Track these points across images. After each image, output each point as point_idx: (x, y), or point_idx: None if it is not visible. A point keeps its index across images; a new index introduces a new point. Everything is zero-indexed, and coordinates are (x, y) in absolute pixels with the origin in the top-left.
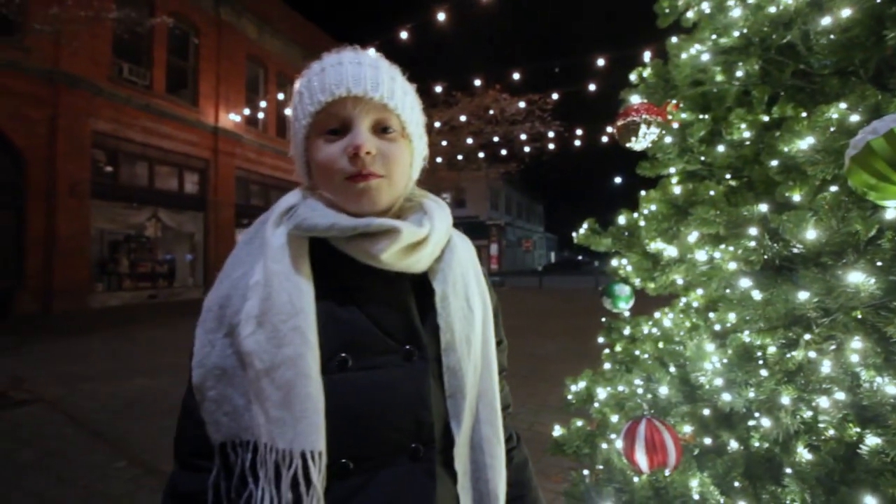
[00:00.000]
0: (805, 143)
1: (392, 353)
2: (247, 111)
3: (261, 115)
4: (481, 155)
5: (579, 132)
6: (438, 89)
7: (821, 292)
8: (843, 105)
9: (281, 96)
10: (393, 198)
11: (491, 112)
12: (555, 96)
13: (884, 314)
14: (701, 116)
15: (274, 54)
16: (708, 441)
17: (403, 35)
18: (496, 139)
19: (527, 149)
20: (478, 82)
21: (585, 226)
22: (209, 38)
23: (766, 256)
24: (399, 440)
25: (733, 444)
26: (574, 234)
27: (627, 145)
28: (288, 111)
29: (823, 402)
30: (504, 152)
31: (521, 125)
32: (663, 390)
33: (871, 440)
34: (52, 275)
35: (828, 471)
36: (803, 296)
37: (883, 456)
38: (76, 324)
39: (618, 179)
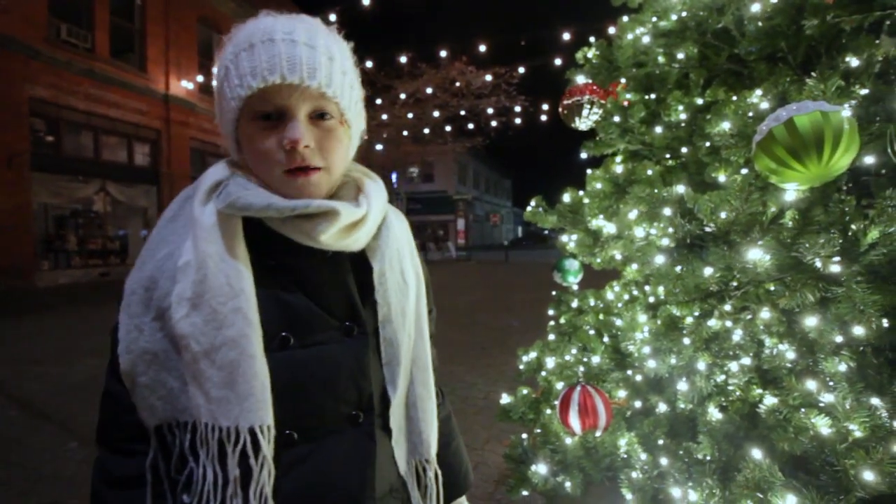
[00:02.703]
0: (724, 126)
1: (332, 330)
2: (200, 78)
3: (215, 83)
4: (448, 129)
5: (545, 107)
6: (403, 59)
7: (724, 268)
8: (758, 91)
9: None
10: (332, 185)
11: (457, 84)
12: (521, 70)
13: (778, 289)
14: (646, 97)
15: (229, 17)
16: (639, 404)
17: (366, 1)
18: (463, 113)
19: (494, 123)
20: (444, 53)
21: (533, 203)
22: None
23: (678, 235)
24: (341, 409)
25: (662, 407)
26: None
27: (572, 125)
28: (213, 78)
29: (734, 367)
30: (471, 126)
31: (488, 99)
32: (596, 359)
33: (769, 400)
34: None
35: (734, 428)
36: (708, 271)
37: (777, 414)
38: (22, 303)
39: (584, 155)
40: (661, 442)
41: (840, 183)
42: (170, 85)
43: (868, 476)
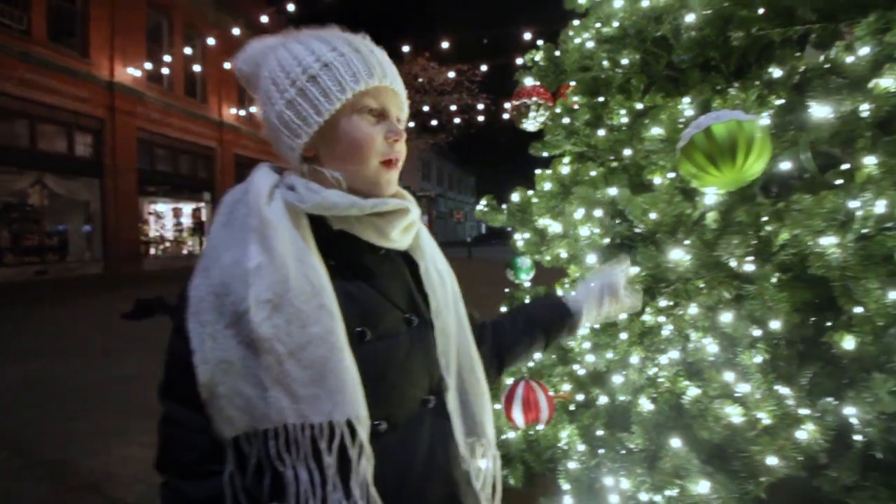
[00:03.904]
0: (654, 131)
1: (399, 322)
2: (149, 65)
3: (166, 71)
4: (411, 124)
5: (507, 105)
6: None
7: (652, 266)
8: (686, 99)
9: (189, 51)
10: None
11: (420, 80)
12: (484, 68)
13: (700, 286)
14: (593, 100)
15: (180, 3)
16: (582, 397)
17: None
18: (426, 109)
19: (457, 120)
20: (406, 48)
21: (483, 202)
22: None
23: (608, 236)
24: (417, 395)
25: (603, 399)
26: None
27: (521, 126)
28: (279, 70)
29: (664, 360)
30: (434, 123)
31: (450, 96)
32: (538, 355)
33: (693, 391)
34: None
35: (663, 418)
36: (634, 270)
37: (699, 404)
38: None
39: (546, 154)
40: (600, 433)
41: (756, 187)
42: (115, 72)
43: (772, 461)
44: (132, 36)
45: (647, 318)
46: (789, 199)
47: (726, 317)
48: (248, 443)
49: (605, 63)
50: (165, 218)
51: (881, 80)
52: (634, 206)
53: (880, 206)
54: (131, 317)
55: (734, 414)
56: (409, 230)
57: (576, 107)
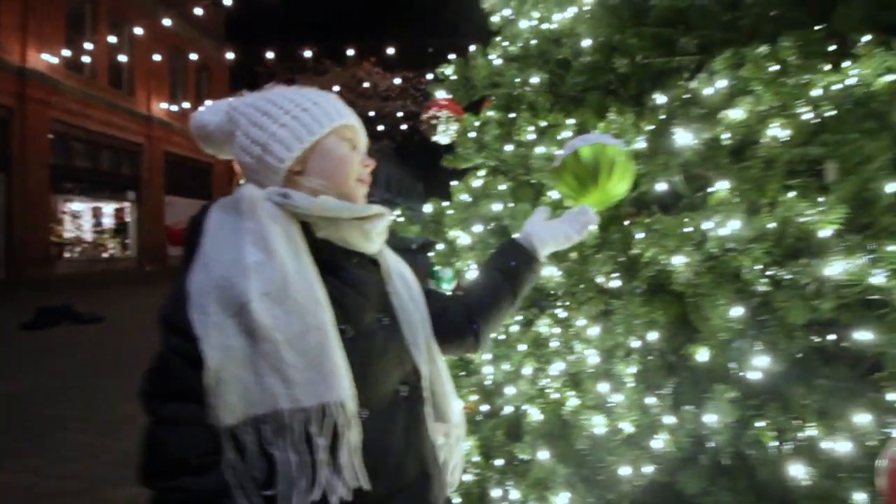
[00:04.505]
0: (539, 151)
1: (375, 321)
2: (67, 52)
3: (87, 59)
4: None
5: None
6: (308, 54)
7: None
8: (570, 121)
9: (114, 39)
10: None
11: (366, 85)
12: (430, 77)
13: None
14: (508, 116)
15: None
16: (486, 408)
17: None
18: (372, 114)
19: (403, 126)
20: (351, 52)
21: (397, 212)
22: None
23: (489, 250)
24: (391, 385)
25: (509, 409)
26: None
27: (433, 138)
28: (271, 105)
29: (553, 371)
30: (381, 128)
31: (395, 102)
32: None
33: (573, 401)
34: None
35: (550, 428)
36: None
37: (578, 414)
38: None
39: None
40: (501, 443)
41: (625, 206)
42: (27, 57)
43: (625, 471)
44: (49, 19)
45: (544, 329)
46: (650, 220)
47: (594, 330)
48: (246, 431)
49: (518, 79)
50: (83, 218)
51: (731, 112)
52: (516, 222)
53: (729, 228)
54: (31, 327)
55: (598, 424)
56: (382, 234)
57: (474, 122)
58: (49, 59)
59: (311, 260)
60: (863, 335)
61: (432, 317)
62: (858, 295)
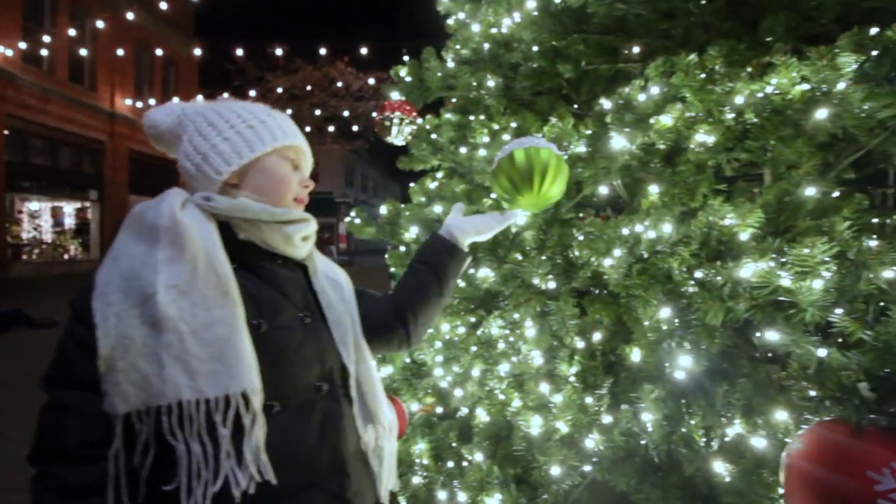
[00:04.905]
0: (480, 153)
1: (294, 318)
2: (24, 45)
3: (46, 53)
4: (331, 129)
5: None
6: (279, 52)
7: (465, 284)
8: (513, 124)
9: (74, 32)
10: None
11: (339, 85)
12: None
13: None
14: (465, 118)
15: None
16: (441, 410)
17: None
18: (346, 113)
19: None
20: (323, 51)
21: (353, 214)
22: None
23: None
24: (309, 381)
25: (464, 410)
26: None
27: (386, 139)
28: (218, 117)
29: (501, 372)
30: (356, 128)
31: (368, 103)
32: (388, 370)
33: (517, 402)
34: None
35: (497, 429)
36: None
37: (518, 415)
38: None
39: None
40: (454, 444)
41: (563, 209)
42: None
43: (555, 471)
44: (5, 8)
45: (495, 330)
46: (584, 223)
47: (531, 331)
48: (140, 420)
49: (474, 82)
50: (42, 218)
51: (662, 118)
52: None
53: (658, 230)
54: None
55: (534, 426)
56: (308, 240)
57: (427, 125)
58: (4, 51)
59: (227, 258)
60: (772, 335)
61: (362, 316)
62: (769, 296)
